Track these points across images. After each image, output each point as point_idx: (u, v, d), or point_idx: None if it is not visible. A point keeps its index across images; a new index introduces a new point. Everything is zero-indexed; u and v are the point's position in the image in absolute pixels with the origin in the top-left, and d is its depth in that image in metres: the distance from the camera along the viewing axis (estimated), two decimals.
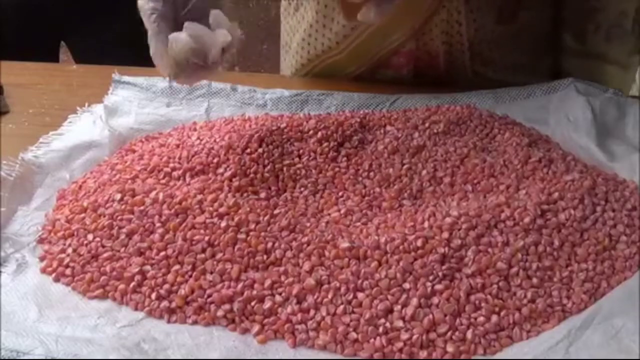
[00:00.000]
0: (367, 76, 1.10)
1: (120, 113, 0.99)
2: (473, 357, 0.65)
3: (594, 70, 1.05)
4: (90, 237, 0.75)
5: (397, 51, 1.06)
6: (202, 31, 0.76)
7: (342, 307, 0.67)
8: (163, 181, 0.81)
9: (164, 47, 0.76)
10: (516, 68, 1.08)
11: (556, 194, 0.77)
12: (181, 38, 0.75)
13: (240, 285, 0.70)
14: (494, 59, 1.07)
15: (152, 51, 0.78)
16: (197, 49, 0.75)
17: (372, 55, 1.07)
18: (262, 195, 0.81)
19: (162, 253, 0.73)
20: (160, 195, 0.77)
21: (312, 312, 0.68)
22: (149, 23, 0.77)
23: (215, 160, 0.83)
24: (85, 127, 0.95)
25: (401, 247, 0.71)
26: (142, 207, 0.77)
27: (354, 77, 1.11)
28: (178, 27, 0.76)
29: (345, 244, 0.72)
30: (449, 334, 0.66)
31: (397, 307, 0.67)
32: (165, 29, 0.76)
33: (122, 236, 0.75)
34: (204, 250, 0.72)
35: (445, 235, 0.72)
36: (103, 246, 0.74)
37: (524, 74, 1.06)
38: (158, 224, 0.75)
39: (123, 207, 0.77)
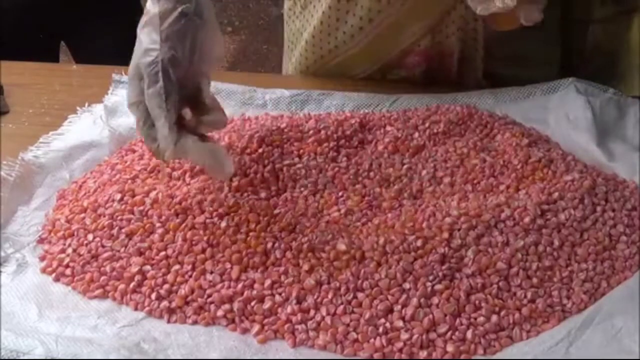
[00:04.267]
0: (378, 77, 1.09)
1: (120, 113, 0.99)
2: (473, 357, 0.65)
3: (624, 28, 1.04)
4: (90, 237, 0.75)
5: (411, 50, 1.05)
6: (218, 150, 0.77)
7: (342, 307, 0.67)
8: (163, 181, 0.81)
9: (171, 134, 0.72)
10: (527, 62, 1.06)
11: (556, 194, 0.77)
12: (202, 151, 0.75)
13: (240, 285, 0.70)
14: (505, 55, 1.06)
15: (147, 122, 0.75)
16: (211, 165, 0.77)
17: (386, 53, 1.06)
18: (262, 195, 0.81)
19: (162, 253, 0.73)
20: (160, 196, 0.77)
21: (312, 312, 0.68)
22: (158, 98, 0.72)
23: None
24: (85, 127, 0.95)
25: (401, 247, 0.71)
26: (142, 207, 0.77)
27: (364, 78, 1.10)
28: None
29: (342, 247, 0.72)
30: (449, 334, 0.66)
31: (397, 307, 0.67)
32: (173, 110, 0.73)
33: (122, 236, 0.75)
34: (204, 251, 0.72)
35: (445, 235, 0.72)
36: (103, 246, 0.75)
37: (535, 68, 1.05)
38: (158, 224, 0.75)
39: (123, 207, 0.77)
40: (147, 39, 0.75)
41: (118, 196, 0.78)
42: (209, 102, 0.78)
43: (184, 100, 0.76)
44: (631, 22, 1.03)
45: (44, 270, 0.74)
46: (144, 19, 0.77)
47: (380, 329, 0.66)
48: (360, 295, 0.68)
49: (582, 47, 1.06)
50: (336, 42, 1.06)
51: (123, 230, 0.75)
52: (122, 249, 0.74)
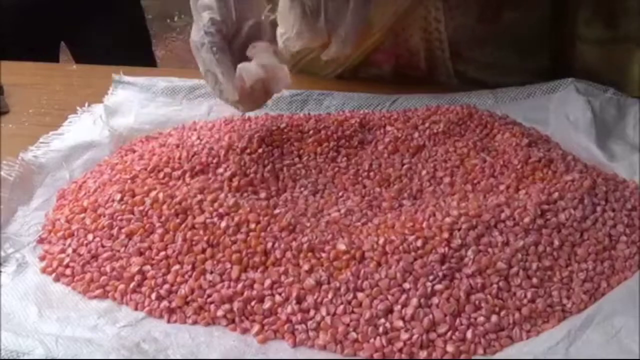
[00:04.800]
0: (349, 75, 1.10)
1: (120, 113, 0.99)
2: (473, 357, 0.65)
3: (624, 54, 1.03)
4: (90, 237, 0.75)
5: (376, 48, 1.06)
6: (269, 60, 0.82)
7: (342, 307, 0.67)
8: (163, 181, 0.81)
9: (229, 76, 0.82)
10: (498, 68, 1.07)
11: (556, 194, 0.77)
12: (251, 68, 0.81)
13: (240, 285, 0.70)
14: (475, 58, 1.06)
15: (214, 80, 0.85)
16: (266, 78, 0.81)
17: (352, 53, 1.07)
18: (262, 195, 0.81)
19: (162, 253, 0.73)
20: (160, 195, 0.77)
21: (312, 312, 0.68)
22: (210, 55, 0.83)
23: (215, 160, 0.83)
24: (85, 127, 0.95)
25: (401, 247, 0.71)
26: (142, 207, 0.77)
27: (336, 76, 1.11)
28: (234, 57, 0.85)
29: (341, 247, 0.72)
30: (449, 334, 0.66)
31: (397, 307, 0.67)
32: (224, 59, 0.83)
33: (122, 236, 0.75)
34: (203, 251, 0.72)
35: (445, 235, 0.72)
36: (103, 246, 0.75)
37: (506, 75, 1.05)
38: (158, 224, 0.75)
39: (123, 207, 0.77)
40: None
41: (118, 196, 0.78)
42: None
43: (242, 47, 0.86)
44: (631, 54, 1.03)
45: (43, 270, 0.74)
46: None
47: (380, 329, 0.66)
48: (360, 295, 0.68)
49: (570, 65, 1.06)
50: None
51: (123, 230, 0.75)
52: (122, 249, 0.74)
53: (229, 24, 0.85)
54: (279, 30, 0.89)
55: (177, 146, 0.87)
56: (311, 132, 0.89)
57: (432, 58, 1.07)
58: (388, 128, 0.91)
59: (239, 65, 0.82)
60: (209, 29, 0.83)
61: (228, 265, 0.71)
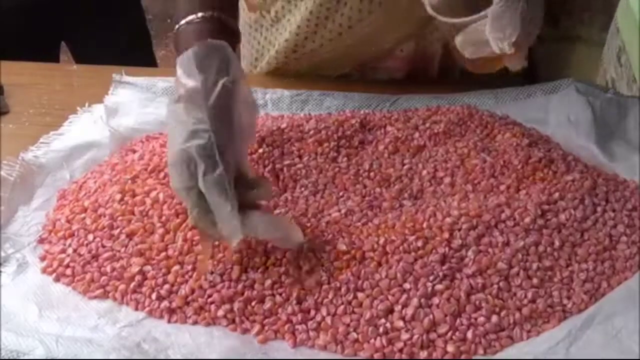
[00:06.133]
0: (357, 78, 1.10)
1: (120, 113, 0.98)
2: (473, 357, 0.65)
3: (565, 50, 1.04)
4: (90, 237, 0.75)
5: (391, 54, 1.06)
6: (284, 221, 0.74)
7: (342, 307, 0.68)
8: (163, 181, 0.81)
9: (236, 219, 0.68)
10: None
11: (556, 194, 0.77)
12: (268, 225, 0.70)
13: (240, 286, 0.70)
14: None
15: (205, 208, 0.69)
16: (279, 239, 0.72)
17: (364, 56, 1.07)
18: None
19: (163, 253, 0.73)
20: (161, 196, 0.77)
21: (312, 312, 0.68)
22: (221, 191, 0.68)
23: None
24: (86, 127, 0.95)
25: (401, 247, 0.71)
26: (142, 208, 0.77)
27: (341, 76, 1.10)
28: None
29: (342, 247, 0.72)
30: (449, 334, 0.66)
31: (398, 307, 0.67)
32: (234, 197, 0.68)
33: (123, 236, 0.75)
34: None
35: (446, 235, 0.72)
36: (103, 246, 0.75)
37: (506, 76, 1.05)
38: (158, 225, 0.75)
39: (123, 207, 0.77)
40: (191, 118, 0.70)
41: (118, 196, 0.78)
42: (253, 177, 0.74)
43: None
44: (573, 52, 1.04)
45: (44, 271, 0.74)
46: (178, 94, 0.73)
47: (381, 329, 0.66)
48: (360, 295, 0.68)
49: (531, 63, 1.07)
50: (313, 45, 1.05)
51: (123, 231, 0.75)
52: (123, 249, 0.74)
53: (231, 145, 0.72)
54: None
55: None
56: (312, 132, 0.89)
57: (445, 61, 1.06)
58: (388, 128, 0.91)
59: (256, 219, 0.70)
60: (222, 148, 0.69)
61: (228, 266, 0.71)
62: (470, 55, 0.77)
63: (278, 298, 0.69)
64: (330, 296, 0.68)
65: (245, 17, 1.14)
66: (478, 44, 0.74)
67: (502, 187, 0.81)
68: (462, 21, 0.74)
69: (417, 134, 0.89)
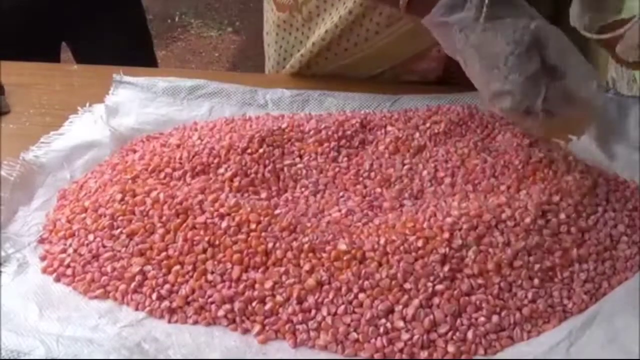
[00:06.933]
0: (391, 78, 1.09)
1: (121, 113, 0.99)
2: (474, 358, 0.65)
3: None
4: (91, 237, 0.75)
5: (426, 54, 1.05)
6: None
7: (342, 307, 0.68)
8: (164, 181, 0.81)
9: None
10: None
11: (557, 195, 0.77)
12: None
13: (241, 286, 0.70)
14: None
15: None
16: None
17: (399, 56, 1.06)
18: (263, 195, 0.81)
19: (163, 253, 0.73)
20: (161, 196, 0.77)
21: (312, 312, 0.68)
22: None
23: (216, 161, 0.83)
24: (86, 127, 0.95)
25: (402, 248, 0.71)
26: (142, 208, 0.77)
27: (373, 77, 1.09)
28: None
29: (343, 247, 0.72)
30: (450, 334, 0.66)
31: (398, 308, 0.67)
32: None
33: (123, 236, 0.75)
34: (204, 251, 0.72)
35: (446, 235, 0.72)
36: (104, 246, 0.75)
37: None
38: (159, 224, 0.75)
39: (124, 207, 0.77)
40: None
41: (119, 196, 0.78)
42: None
43: None
44: None
45: (44, 271, 0.74)
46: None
47: (381, 329, 0.66)
48: (361, 295, 0.68)
49: None
50: (347, 45, 1.05)
51: (124, 231, 0.75)
52: (123, 249, 0.74)
53: None
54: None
55: (178, 146, 0.87)
56: (312, 132, 0.89)
57: None
58: (389, 128, 0.91)
59: None
60: None
61: (229, 266, 0.71)
62: (636, 58, 0.82)
63: (278, 298, 0.69)
64: (330, 296, 0.68)
65: (273, 16, 1.13)
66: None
67: (503, 187, 0.81)
68: (612, 35, 0.80)
69: (417, 134, 0.89)
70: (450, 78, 1.06)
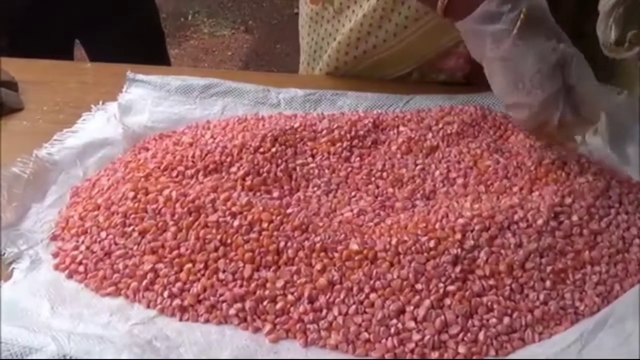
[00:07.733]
0: (417, 78, 1.08)
1: (134, 111, 0.99)
2: (485, 359, 0.64)
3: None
4: (103, 234, 0.76)
5: (452, 52, 1.05)
6: None
7: (354, 307, 0.67)
8: (176, 179, 0.81)
9: None
10: None
11: (570, 196, 0.77)
12: None
13: (252, 285, 0.70)
14: None
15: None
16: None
17: (425, 54, 1.05)
18: (275, 194, 0.81)
19: (175, 251, 0.73)
20: (174, 194, 0.77)
21: (324, 311, 0.68)
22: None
23: (228, 159, 0.84)
24: (99, 125, 0.96)
25: (413, 248, 0.71)
26: (155, 206, 0.77)
27: (401, 77, 1.09)
28: None
29: (354, 247, 0.71)
30: (461, 335, 0.66)
31: (409, 308, 0.67)
32: None
33: (135, 234, 0.75)
34: (216, 249, 0.73)
35: (458, 236, 0.72)
36: (116, 244, 0.75)
37: None
38: (171, 223, 0.75)
39: (136, 205, 0.77)
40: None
41: (131, 194, 0.78)
42: None
43: None
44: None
45: (57, 267, 0.74)
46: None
47: (392, 330, 0.66)
48: (372, 295, 0.68)
49: None
50: (375, 41, 1.04)
51: (136, 228, 0.75)
52: (135, 247, 0.74)
53: None
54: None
55: (191, 145, 0.87)
56: (324, 131, 0.89)
57: None
58: (401, 128, 0.91)
59: None
60: None
61: (240, 264, 0.71)
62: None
63: (290, 297, 0.69)
64: (342, 296, 0.68)
65: (307, 9, 1.14)
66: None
67: (515, 189, 0.81)
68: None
69: (430, 135, 0.89)
70: (477, 77, 1.06)
